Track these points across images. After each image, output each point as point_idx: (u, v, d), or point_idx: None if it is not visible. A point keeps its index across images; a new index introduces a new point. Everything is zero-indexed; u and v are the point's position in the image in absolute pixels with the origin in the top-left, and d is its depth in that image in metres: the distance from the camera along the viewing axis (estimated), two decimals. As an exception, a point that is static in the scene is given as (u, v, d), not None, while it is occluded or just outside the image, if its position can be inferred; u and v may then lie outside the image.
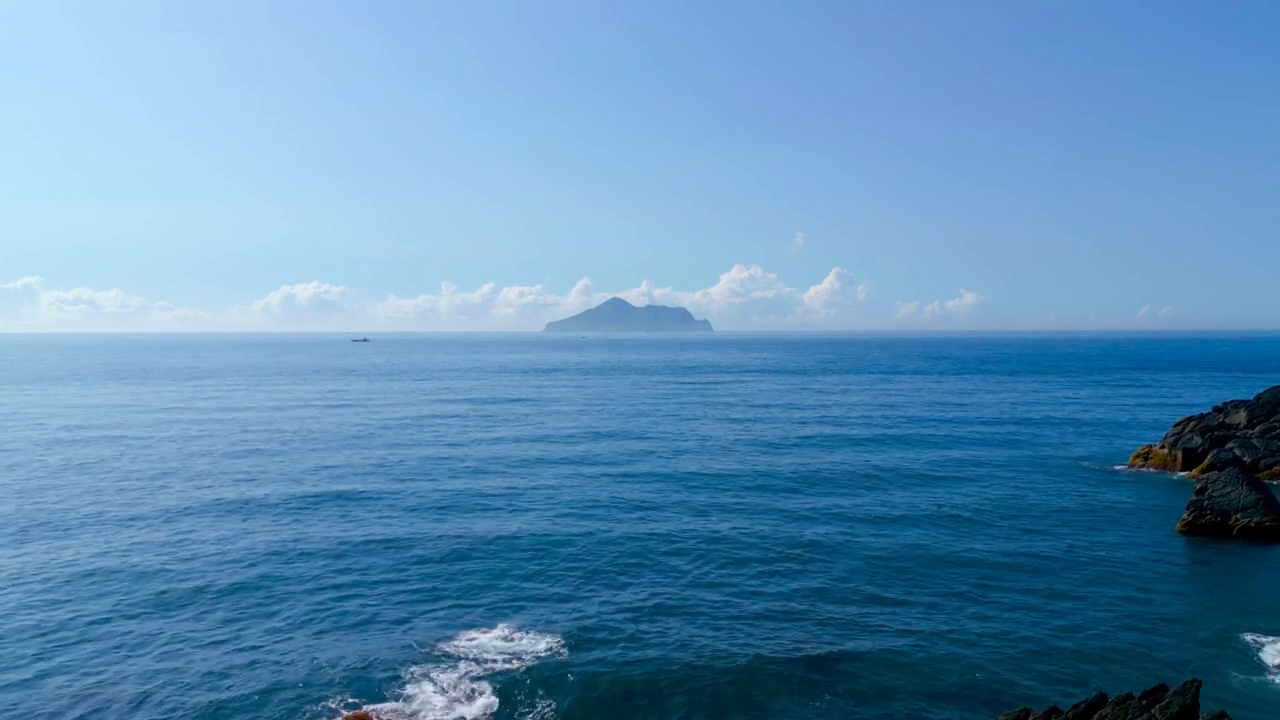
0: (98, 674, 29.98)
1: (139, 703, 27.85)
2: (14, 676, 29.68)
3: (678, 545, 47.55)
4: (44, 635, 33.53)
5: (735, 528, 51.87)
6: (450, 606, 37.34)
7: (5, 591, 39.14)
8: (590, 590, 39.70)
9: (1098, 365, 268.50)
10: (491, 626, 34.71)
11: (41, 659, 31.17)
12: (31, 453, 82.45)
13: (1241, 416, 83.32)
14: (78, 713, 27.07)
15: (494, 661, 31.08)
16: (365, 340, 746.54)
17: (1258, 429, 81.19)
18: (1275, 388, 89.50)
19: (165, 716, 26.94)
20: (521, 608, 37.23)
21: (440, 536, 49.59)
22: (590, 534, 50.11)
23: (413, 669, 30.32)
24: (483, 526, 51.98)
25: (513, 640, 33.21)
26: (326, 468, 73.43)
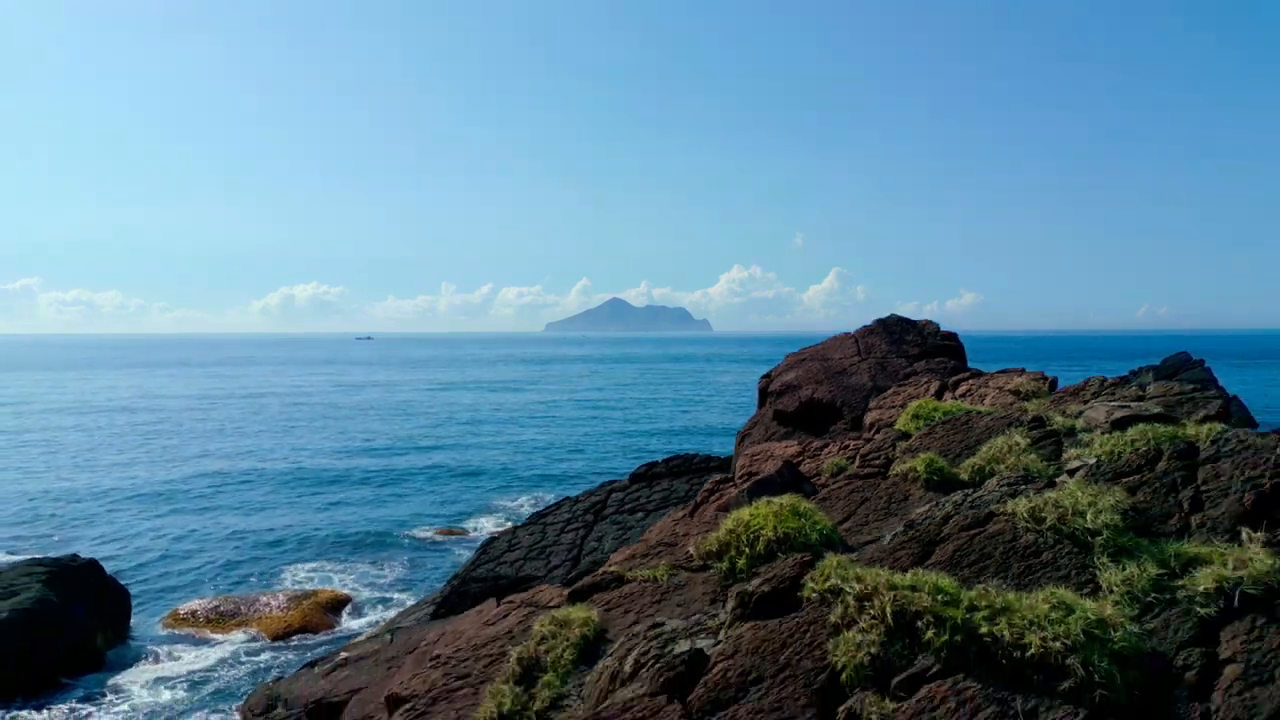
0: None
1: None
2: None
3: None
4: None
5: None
6: (485, 489, 51.60)
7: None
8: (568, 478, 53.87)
9: (1066, 355, 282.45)
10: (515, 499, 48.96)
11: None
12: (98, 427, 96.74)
13: (1148, 378, 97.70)
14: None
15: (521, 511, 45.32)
16: (369, 339, 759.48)
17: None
18: (1180, 354, 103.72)
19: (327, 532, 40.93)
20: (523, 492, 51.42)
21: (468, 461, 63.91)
22: (573, 458, 64.54)
23: (469, 516, 44.50)
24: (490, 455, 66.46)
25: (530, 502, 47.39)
26: (372, 421, 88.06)
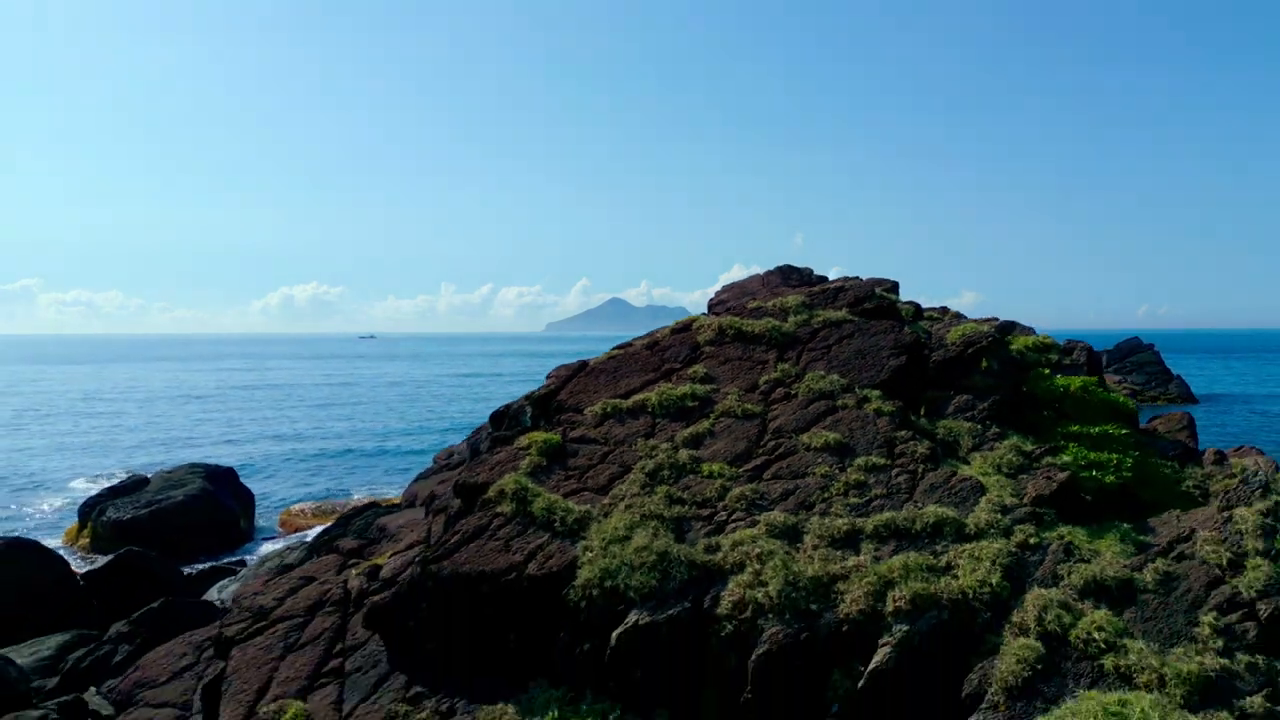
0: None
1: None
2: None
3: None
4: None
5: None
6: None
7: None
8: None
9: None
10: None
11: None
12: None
13: (1103, 360, 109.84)
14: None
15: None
16: (372, 338, 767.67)
17: (1112, 368, 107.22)
18: (1132, 338, 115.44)
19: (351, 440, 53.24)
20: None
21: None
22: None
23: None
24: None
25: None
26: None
